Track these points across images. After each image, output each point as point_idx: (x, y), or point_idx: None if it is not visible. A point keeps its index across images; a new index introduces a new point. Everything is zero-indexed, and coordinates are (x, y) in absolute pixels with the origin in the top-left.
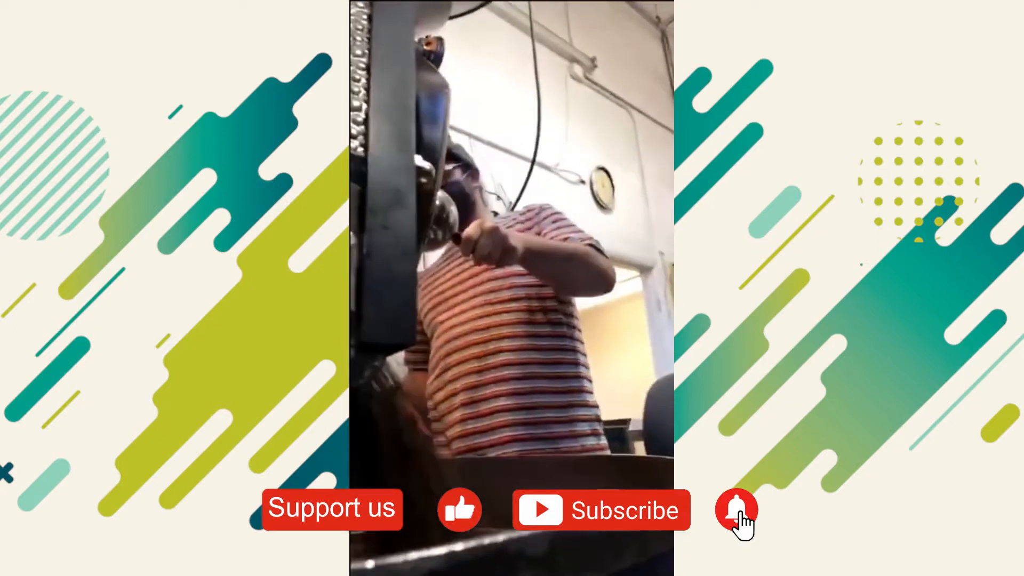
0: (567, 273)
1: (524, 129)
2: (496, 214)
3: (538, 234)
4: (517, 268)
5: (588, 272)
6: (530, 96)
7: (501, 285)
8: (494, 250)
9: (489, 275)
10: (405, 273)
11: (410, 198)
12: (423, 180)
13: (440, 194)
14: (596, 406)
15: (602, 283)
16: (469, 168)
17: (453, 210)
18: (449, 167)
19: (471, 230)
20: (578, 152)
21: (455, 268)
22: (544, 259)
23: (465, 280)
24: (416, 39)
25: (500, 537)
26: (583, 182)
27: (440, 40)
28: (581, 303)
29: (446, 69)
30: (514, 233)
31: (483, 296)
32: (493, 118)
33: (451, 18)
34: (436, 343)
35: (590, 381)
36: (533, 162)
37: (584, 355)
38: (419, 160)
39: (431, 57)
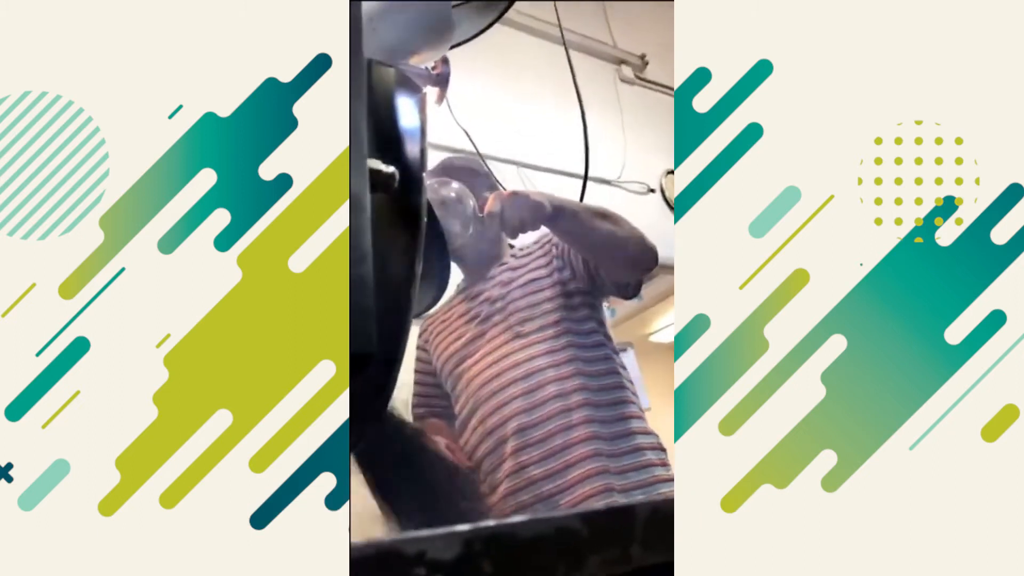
0: (602, 232)
1: (577, 147)
2: (511, 246)
3: (562, 253)
4: (541, 293)
5: (625, 231)
6: (578, 111)
7: (530, 315)
8: (523, 213)
9: (512, 307)
10: (357, 277)
11: (363, 201)
12: (389, 184)
13: (455, 186)
14: (654, 432)
15: (643, 244)
16: (492, 187)
17: (470, 201)
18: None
19: (490, 205)
20: (642, 158)
21: (471, 308)
22: (574, 216)
23: (486, 319)
24: (423, 65)
25: (399, 536)
26: (652, 191)
27: (446, 61)
28: (663, 337)
29: (487, 104)
30: (535, 191)
31: (512, 330)
32: (543, 142)
33: (454, 46)
34: (465, 393)
35: (641, 409)
36: (585, 179)
37: (630, 381)
38: (376, 163)
39: (438, 79)
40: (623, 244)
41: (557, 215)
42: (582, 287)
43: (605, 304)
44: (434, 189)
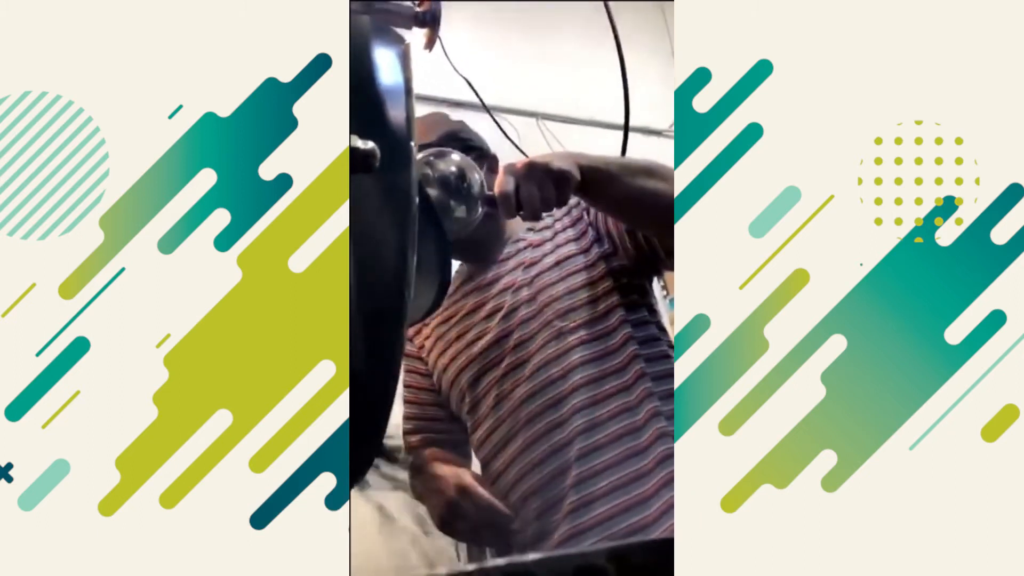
0: (649, 193)
1: (613, 90)
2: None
3: (593, 216)
4: (579, 276)
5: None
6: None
7: (571, 304)
8: (545, 189)
9: (545, 296)
10: None
11: None
12: (368, 163)
13: (456, 158)
14: None
15: None
16: (485, 155)
17: (476, 176)
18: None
19: (501, 183)
20: None
21: (485, 300)
22: (611, 179)
23: (510, 314)
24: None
25: (499, 561)
26: None
27: None
28: None
29: (496, 43)
30: (556, 154)
31: (551, 327)
32: (570, 87)
33: None
34: (494, 413)
35: None
36: (626, 131)
37: None
38: (352, 139)
39: (426, 18)
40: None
41: (589, 181)
42: (627, 264)
43: (663, 293)
44: (429, 163)
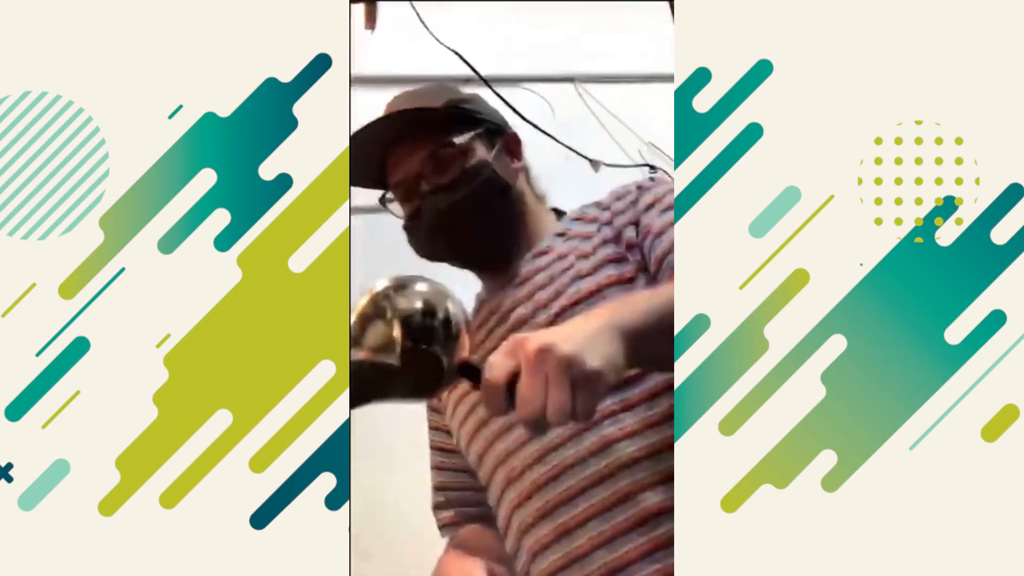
0: None
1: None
2: (560, 214)
3: (642, 236)
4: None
5: None
6: None
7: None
8: (559, 394)
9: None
10: None
11: None
12: None
13: (421, 289)
14: None
15: None
16: (500, 133)
17: (451, 308)
18: (463, 138)
19: (493, 369)
20: None
21: (499, 332)
22: (667, 335)
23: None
24: None
25: None
26: None
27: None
28: None
29: (536, 21)
30: (590, 323)
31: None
32: (613, 40)
33: None
34: (505, 498)
35: None
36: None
37: None
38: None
39: None
40: None
41: (637, 351)
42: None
43: None
44: (387, 296)
